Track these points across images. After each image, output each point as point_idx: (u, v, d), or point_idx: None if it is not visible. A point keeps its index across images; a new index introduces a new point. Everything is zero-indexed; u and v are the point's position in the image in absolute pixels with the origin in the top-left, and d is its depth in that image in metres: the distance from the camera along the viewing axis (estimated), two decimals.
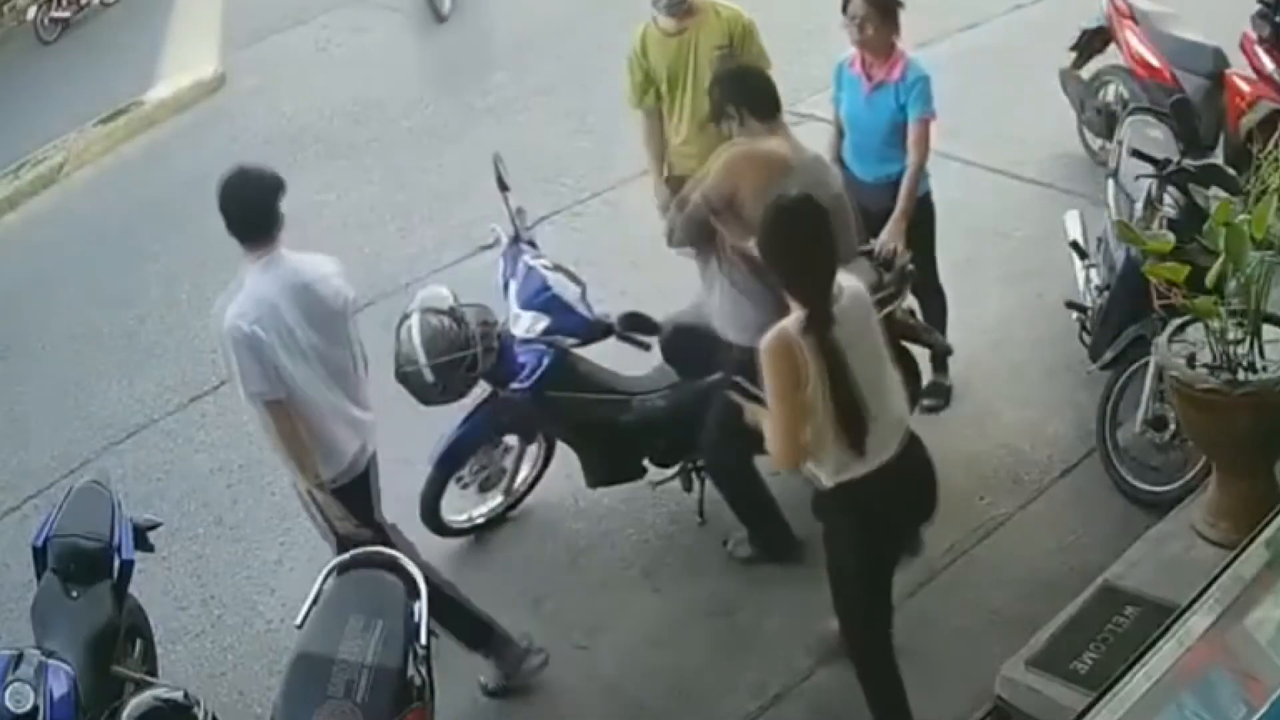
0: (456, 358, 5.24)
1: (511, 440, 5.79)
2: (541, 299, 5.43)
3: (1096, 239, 6.29)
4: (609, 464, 5.71)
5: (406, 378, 5.32)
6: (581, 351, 5.61)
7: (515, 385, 5.44)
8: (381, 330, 6.89)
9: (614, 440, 5.64)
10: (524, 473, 5.94)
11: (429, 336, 5.24)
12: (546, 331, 5.41)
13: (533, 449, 5.89)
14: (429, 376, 5.25)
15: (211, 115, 10.56)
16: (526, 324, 5.42)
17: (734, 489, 5.49)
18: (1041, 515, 5.63)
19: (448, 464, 5.63)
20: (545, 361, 5.41)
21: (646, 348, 5.53)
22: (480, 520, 5.93)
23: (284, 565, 5.96)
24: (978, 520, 5.61)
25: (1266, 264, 4.00)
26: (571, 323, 5.43)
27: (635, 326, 5.49)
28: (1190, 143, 6.05)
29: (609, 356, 5.77)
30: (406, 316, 5.37)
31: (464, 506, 5.88)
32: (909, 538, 4.67)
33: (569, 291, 5.46)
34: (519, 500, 5.98)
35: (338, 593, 4.45)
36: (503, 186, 5.57)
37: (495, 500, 5.93)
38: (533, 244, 5.67)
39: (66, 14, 12.95)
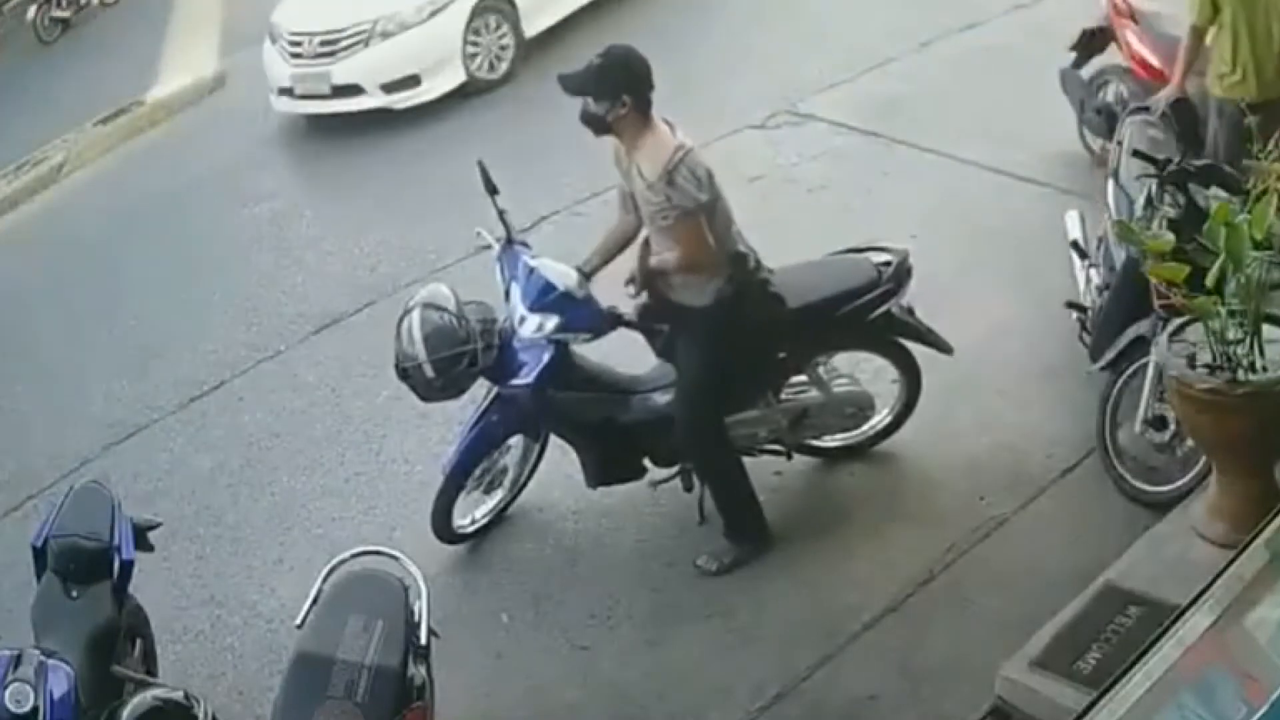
0: (457, 353, 5.27)
1: (513, 440, 5.79)
2: (550, 298, 5.38)
3: (1096, 239, 6.29)
4: (609, 463, 5.71)
5: (407, 373, 5.34)
6: (582, 350, 5.61)
7: (516, 382, 5.43)
8: (381, 331, 6.92)
9: (613, 438, 5.64)
10: (523, 469, 5.94)
11: (430, 332, 5.28)
12: (559, 329, 5.37)
13: (534, 447, 5.89)
14: (429, 372, 5.28)
15: (211, 115, 10.57)
16: (536, 325, 5.37)
17: (714, 468, 5.51)
18: (1041, 515, 5.63)
19: (460, 473, 5.62)
20: (545, 358, 5.40)
21: (658, 335, 5.51)
22: (485, 521, 5.94)
23: (284, 565, 5.97)
24: (978, 520, 5.61)
25: (1266, 264, 3.99)
26: (583, 317, 5.40)
27: (655, 317, 5.45)
28: (1190, 143, 6.05)
29: (611, 356, 5.78)
30: (407, 312, 5.39)
31: (466, 510, 5.88)
32: None
33: (575, 287, 5.41)
34: (516, 495, 5.99)
35: (338, 593, 4.46)
36: (491, 190, 5.55)
37: (496, 498, 5.93)
38: (525, 244, 5.66)
39: (66, 14, 12.96)
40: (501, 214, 5.58)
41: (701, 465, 5.57)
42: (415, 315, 5.34)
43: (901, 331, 5.73)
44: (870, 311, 5.57)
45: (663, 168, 5.01)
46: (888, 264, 5.64)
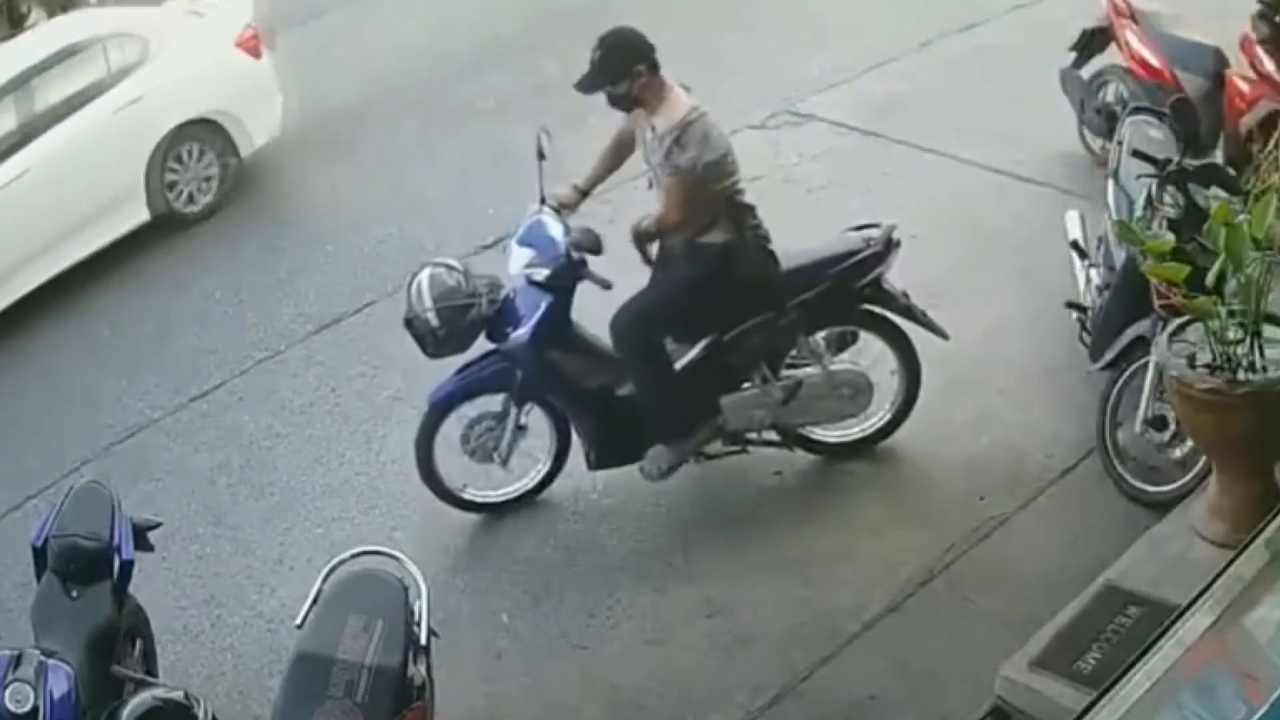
0: (461, 304, 5.56)
1: (510, 411, 5.84)
2: (534, 236, 5.70)
3: (1096, 239, 6.30)
4: (608, 440, 5.78)
5: (411, 323, 5.63)
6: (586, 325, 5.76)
7: (515, 333, 5.60)
8: (381, 331, 6.93)
9: (611, 410, 5.71)
10: (542, 468, 5.99)
11: (437, 288, 5.60)
12: (531, 264, 5.62)
13: (546, 433, 5.91)
14: (433, 320, 5.56)
15: None
16: (519, 259, 5.68)
17: (644, 365, 5.65)
18: (1041, 515, 5.64)
19: (442, 406, 5.79)
20: (544, 306, 5.58)
21: (609, 286, 5.63)
22: (490, 500, 6.01)
23: (284, 565, 5.97)
24: (977, 520, 5.61)
25: (1266, 264, 3.99)
26: (549, 255, 5.61)
27: (588, 246, 5.57)
28: (1190, 143, 6.06)
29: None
30: (417, 272, 5.70)
31: (474, 479, 5.94)
32: None
33: (555, 230, 5.65)
34: (539, 489, 6.02)
35: (338, 593, 4.46)
36: (540, 156, 5.76)
37: (515, 485, 5.99)
38: (555, 209, 5.78)
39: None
40: (542, 179, 5.78)
41: (632, 367, 5.67)
42: (425, 273, 5.69)
43: (892, 305, 5.79)
44: (859, 276, 5.71)
45: (676, 123, 5.34)
46: (874, 237, 5.77)
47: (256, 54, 8.97)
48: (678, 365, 5.68)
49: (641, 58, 5.35)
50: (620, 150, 5.78)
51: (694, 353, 5.68)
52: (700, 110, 5.36)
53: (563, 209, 5.74)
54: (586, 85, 5.42)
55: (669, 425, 5.73)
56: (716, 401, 5.73)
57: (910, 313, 5.85)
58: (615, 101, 5.47)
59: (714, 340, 5.67)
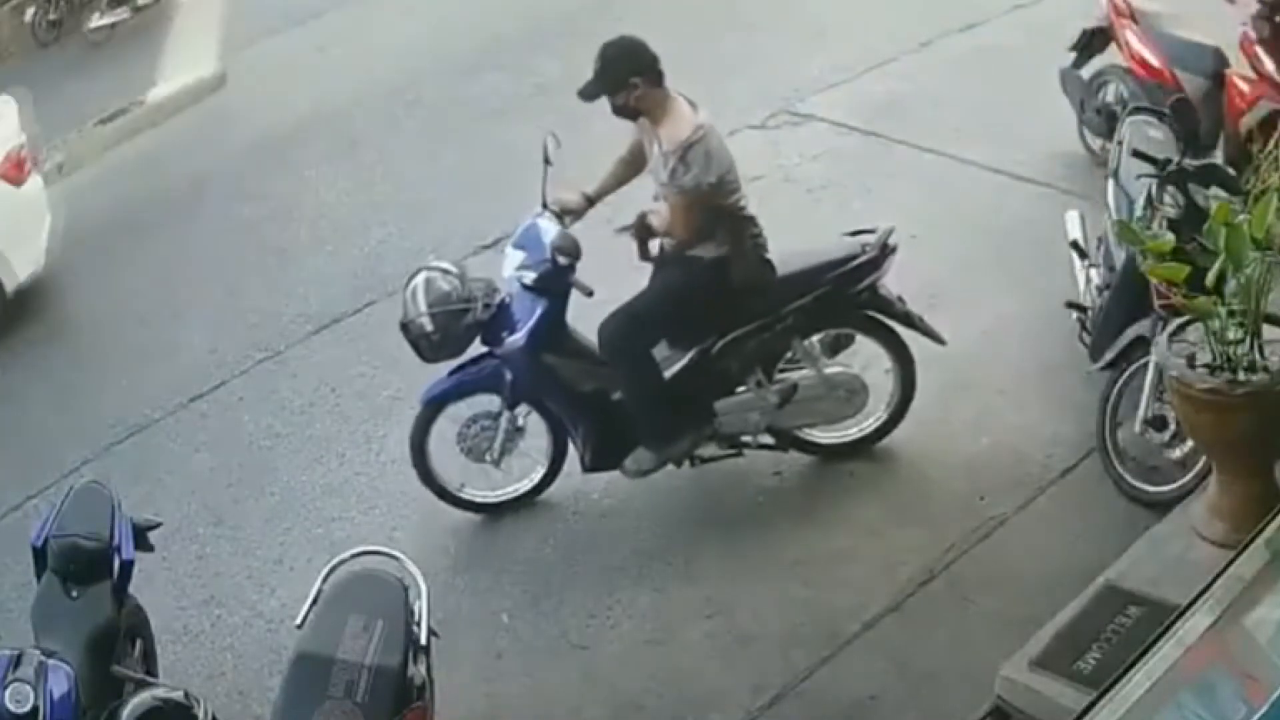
0: (456, 309, 5.56)
1: (504, 413, 5.84)
2: (524, 236, 5.72)
3: (1096, 239, 6.30)
4: (603, 442, 5.77)
5: (407, 328, 5.64)
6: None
7: (511, 338, 5.60)
8: (381, 331, 6.93)
9: (607, 414, 5.73)
10: (539, 470, 5.99)
11: (432, 293, 5.59)
12: (521, 265, 5.64)
13: (543, 436, 5.91)
14: (428, 325, 5.56)
15: (211, 115, 10.56)
16: (512, 261, 5.70)
17: (630, 371, 5.65)
18: (1041, 515, 5.64)
19: (435, 402, 5.81)
20: (539, 311, 5.58)
21: (590, 293, 5.63)
22: (495, 500, 6.01)
23: (284, 565, 5.97)
24: (977, 520, 5.61)
25: (1267, 264, 4.00)
26: (536, 255, 5.62)
27: (567, 251, 5.56)
28: (1190, 143, 6.06)
29: None
30: (414, 275, 5.70)
31: (485, 485, 5.95)
32: None
33: (548, 234, 5.64)
34: (537, 490, 6.02)
35: (338, 593, 4.46)
36: (546, 161, 5.77)
37: (513, 486, 6.00)
38: (556, 215, 5.77)
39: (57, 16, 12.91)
40: (545, 183, 5.78)
41: (618, 372, 5.67)
42: (420, 277, 5.68)
43: (888, 310, 5.80)
44: (855, 282, 5.70)
45: (680, 143, 5.29)
46: (870, 242, 5.77)
47: (19, 180, 8.14)
48: (670, 372, 5.67)
49: (640, 70, 5.33)
50: (633, 163, 5.74)
51: (686, 359, 5.68)
52: (704, 128, 5.33)
53: (565, 214, 5.73)
54: (586, 93, 5.43)
55: (654, 430, 5.72)
56: (710, 407, 5.73)
57: (907, 318, 5.84)
58: (617, 110, 5.46)
59: (707, 346, 5.66)
